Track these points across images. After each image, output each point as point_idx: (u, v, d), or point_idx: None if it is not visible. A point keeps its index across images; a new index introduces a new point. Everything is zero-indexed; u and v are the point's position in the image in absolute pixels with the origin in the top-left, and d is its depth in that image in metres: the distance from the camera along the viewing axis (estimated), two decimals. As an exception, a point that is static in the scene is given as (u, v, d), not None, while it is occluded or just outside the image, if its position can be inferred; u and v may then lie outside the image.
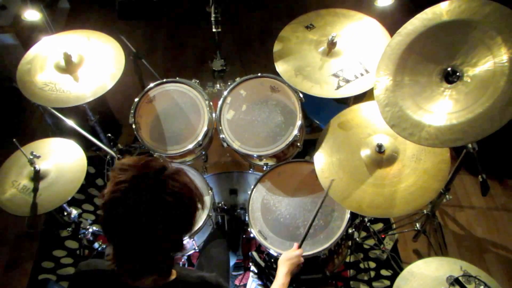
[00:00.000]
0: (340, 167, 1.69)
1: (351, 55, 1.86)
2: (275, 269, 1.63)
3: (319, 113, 2.74)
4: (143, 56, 2.55)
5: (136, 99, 1.96)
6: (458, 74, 1.35)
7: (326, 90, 1.79)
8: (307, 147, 2.06)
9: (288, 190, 1.86)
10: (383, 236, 2.36)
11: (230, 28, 3.72)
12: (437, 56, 1.40)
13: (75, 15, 3.98)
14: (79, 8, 4.04)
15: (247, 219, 1.81)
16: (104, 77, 1.92)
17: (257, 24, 3.82)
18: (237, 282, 2.23)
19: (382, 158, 1.63)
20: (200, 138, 1.89)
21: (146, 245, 0.97)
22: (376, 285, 2.28)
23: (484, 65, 1.29)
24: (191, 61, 3.56)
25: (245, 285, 2.15)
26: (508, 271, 2.28)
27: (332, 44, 1.87)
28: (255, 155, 1.86)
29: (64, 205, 1.93)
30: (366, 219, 2.19)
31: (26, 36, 3.07)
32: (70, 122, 1.97)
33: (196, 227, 1.80)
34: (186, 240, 1.84)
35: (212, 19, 1.99)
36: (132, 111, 1.93)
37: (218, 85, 2.17)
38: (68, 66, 1.95)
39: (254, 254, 1.78)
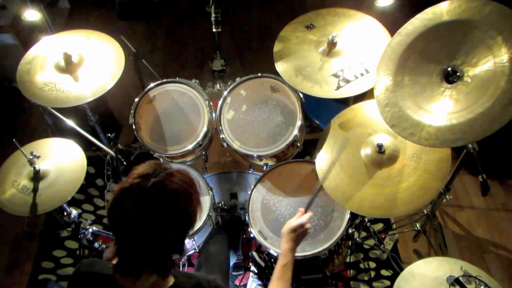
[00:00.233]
0: (341, 167, 1.69)
1: (351, 55, 1.86)
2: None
3: (319, 113, 2.74)
4: (143, 56, 2.55)
5: (136, 99, 1.96)
6: (458, 74, 1.34)
7: (326, 90, 1.79)
8: (307, 147, 2.05)
9: (288, 190, 1.86)
10: (383, 236, 2.36)
11: (230, 28, 3.72)
12: (437, 56, 1.40)
13: (75, 15, 3.98)
14: (79, 8, 4.04)
15: (247, 219, 1.81)
16: (104, 77, 1.92)
17: (257, 24, 3.82)
18: (237, 282, 2.23)
19: (383, 158, 1.63)
20: (200, 138, 1.89)
21: (148, 241, 1.00)
22: (376, 285, 2.28)
23: (484, 65, 1.29)
24: (191, 61, 3.56)
25: (245, 285, 2.15)
26: (508, 271, 2.28)
27: (332, 44, 1.86)
28: (255, 155, 1.86)
29: (64, 205, 1.93)
30: (366, 219, 2.19)
31: (26, 36, 3.07)
32: (70, 122, 1.98)
33: (196, 227, 1.80)
34: (186, 240, 1.84)
35: (212, 19, 1.99)
36: (132, 111, 1.93)
37: (218, 85, 2.17)
38: (68, 66, 1.95)
39: (254, 254, 1.78)
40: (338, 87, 1.79)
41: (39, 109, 2.49)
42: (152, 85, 1.99)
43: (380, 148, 1.62)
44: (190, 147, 1.88)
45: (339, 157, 1.61)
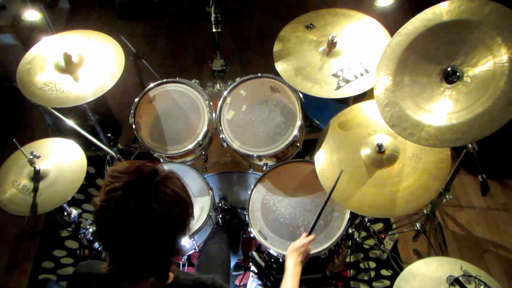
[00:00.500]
0: (340, 167, 1.69)
1: (351, 55, 1.86)
2: (275, 269, 1.64)
3: (319, 113, 2.74)
4: (143, 56, 2.55)
5: (136, 99, 1.96)
6: (458, 74, 1.35)
7: (326, 90, 1.79)
8: (307, 147, 2.06)
9: (288, 190, 1.86)
10: (383, 236, 2.36)
11: (230, 28, 3.72)
12: (437, 56, 1.40)
13: (75, 15, 3.98)
14: (79, 8, 4.04)
15: (247, 219, 1.81)
16: (104, 77, 1.92)
17: (257, 24, 3.82)
18: (237, 282, 2.23)
19: (382, 158, 1.63)
20: (200, 138, 1.89)
21: (140, 251, 0.96)
22: (376, 285, 2.28)
23: (484, 65, 1.29)
24: (191, 61, 3.56)
25: (245, 285, 2.15)
26: (508, 271, 2.28)
27: (332, 44, 1.86)
28: (255, 155, 1.86)
29: (64, 205, 1.93)
30: (366, 219, 2.19)
31: (26, 36, 3.07)
32: (70, 122, 1.97)
33: (196, 227, 1.80)
34: (186, 240, 1.84)
35: (212, 19, 1.99)
36: (132, 111, 1.93)
37: (218, 85, 2.17)
38: (68, 66, 1.95)
39: (254, 254, 1.78)
40: (338, 87, 1.79)
41: (39, 109, 2.49)
42: (152, 85, 1.99)
43: (380, 148, 1.62)
44: (190, 147, 1.89)
45: (334, 187, 1.60)
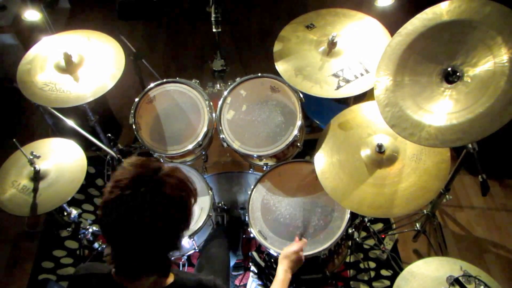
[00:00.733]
0: (340, 168, 1.69)
1: (351, 55, 1.86)
2: (275, 269, 1.64)
3: (319, 113, 2.74)
4: (143, 56, 2.55)
5: (136, 99, 1.96)
6: (458, 74, 1.34)
7: (326, 90, 1.79)
8: (307, 147, 2.06)
9: (288, 190, 1.86)
10: (383, 236, 2.36)
11: (230, 28, 3.72)
12: (437, 56, 1.40)
13: (75, 15, 3.98)
14: (79, 8, 4.03)
15: (247, 219, 1.81)
16: (104, 77, 1.92)
17: (257, 24, 3.82)
18: (237, 282, 2.23)
19: (382, 158, 1.63)
20: (200, 138, 1.89)
21: (144, 243, 0.98)
22: (376, 285, 2.28)
23: (484, 65, 1.29)
24: (191, 61, 3.56)
25: (245, 285, 2.15)
26: (508, 271, 2.28)
27: (332, 44, 1.86)
28: (255, 155, 1.86)
29: (64, 205, 1.93)
30: (366, 219, 2.19)
31: (26, 36, 3.07)
32: (70, 122, 1.98)
33: (196, 227, 1.80)
34: (186, 240, 1.84)
35: (212, 19, 1.99)
36: (132, 111, 1.93)
37: (218, 85, 2.17)
38: (68, 66, 1.95)
39: (254, 254, 1.79)
40: (338, 87, 1.79)
41: (39, 109, 2.49)
42: (152, 85, 1.99)
43: (380, 148, 1.62)
44: (190, 147, 1.89)
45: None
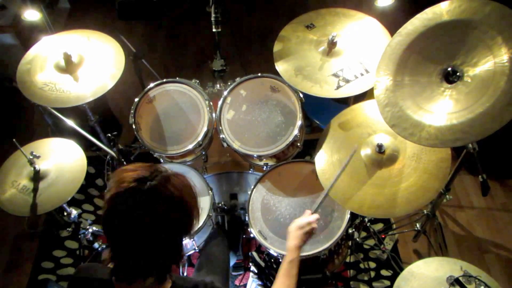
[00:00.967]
0: (341, 168, 1.69)
1: (351, 55, 1.86)
2: (275, 269, 1.64)
3: (319, 113, 2.74)
4: (143, 56, 2.55)
5: (136, 99, 1.96)
6: (458, 74, 1.34)
7: (326, 90, 1.79)
8: (307, 147, 2.06)
9: (288, 190, 1.86)
10: (383, 236, 2.36)
11: (230, 28, 3.72)
12: (437, 56, 1.40)
13: (75, 15, 3.98)
14: (79, 8, 4.04)
15: (247, 219, 1.81)
16: (104, 77, 1.92)
17: (257, 24, 3.82)
18: (237, 282, 2.23)
19: (383, 158, 1.63)
20: (200, 138, 1.89)
21: (144, 244, 0.98)
22: (376, 285, 2.28)
23: (484, 65, 1.29)
24: (191, 61, 3.56)
25: (245, 285, 2.15)
26: (508, 271, 2.28)
27: (332, 44, 1.86)
28: (255, 155, 1.86)
29: (64, 205, 1.93)
30: (366, 219, 2.19)
31: (26, 36, 3.07)
32: (70, 122, 1.98)
33: (196, 227, 1.80)
34: (186, 240, 1.84)
35: (212, 19, 1.99)
36: (132, 111, 1.93)
37: (218, 85, 2.17)
38: (68, 66, 1.95)
39: (254, 254, 1.78)
40: (338, 87, 1.79)
41: (39, 109, 2.49)
42: (152, 85, 1.99)
43: (380, 148, 1.62)
44: (190, 147, 1.88)
45: (346, 164, 1.56)
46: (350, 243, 2.00)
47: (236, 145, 1.87)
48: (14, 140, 1.73)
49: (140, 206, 0.95)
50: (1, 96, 3.14)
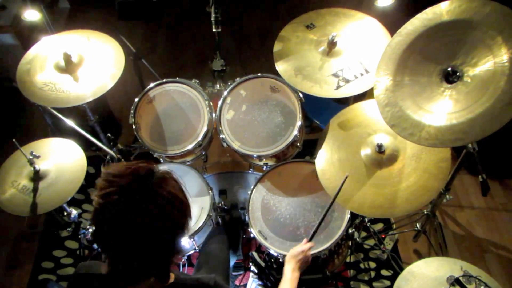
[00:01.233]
0: (341, 167, 1.69)
1: (351, 55, 1.86)
2: (275, 269, 1.64)
3: (319, 113, 2.74)
4: (143, 56, 2.54)
5: (136, 99, 1.96)
6: (458, 74, 1.34)
7: (326, 90, 1.79)
8: (307, 147, 2.05)
9: (288, 190, 1.86)
10: (383, 236, 2.36)
11: (230, 28, 3.72)
12: (437, 56, 1.40)
13: (75, 15, 3.98)
14: (79, 8, 4.04)
15: (247, 219, 1.81)
16: (104, 77, 1.92)
17: (257, 24, 3.82)
18: (237, 282, 2.23)
19: (383, 158, 1.63)
20: (200, 138, 1.89)
21: (138, 252, 0.96)
22: (377, 285, 2.28)
23: (484, 65, 1.29)
24: (191, 61, 3.56)
25: (245, 285, 2.15)
26: (508, 271, 2.28)
27: (332, 44, 1.86)
28: (255, 155, 1.86)
29: (64, 205, 1.93)
30: (366, 219, 2.19)
31: (26, 36, 3.06)
32: (70, 122, 1.97)
33: (196, 227, 1.80)
34: (186, 241, 1.84)
35: (212, 19, 1.98)
36: (132, 111, 1.93)
37: (218, 85, 2.17)
38: (68, 66, 1.95)
39: (254, 254, 1.78)
40: (338, 87, 1.79)
41: (39, 109, 2.49)
42: (152, 85, 1.99)
43: (380, 148, 1.62)
44: (190, 147, 1.88)
45: (338, 193, 1.57)
46: (350, 243, 2.00)
47: (236, 145, 1.87)
48: (14, 140, 1.73)
49: (128, 220, 0.92)
50: (1, 96, 3.14)
